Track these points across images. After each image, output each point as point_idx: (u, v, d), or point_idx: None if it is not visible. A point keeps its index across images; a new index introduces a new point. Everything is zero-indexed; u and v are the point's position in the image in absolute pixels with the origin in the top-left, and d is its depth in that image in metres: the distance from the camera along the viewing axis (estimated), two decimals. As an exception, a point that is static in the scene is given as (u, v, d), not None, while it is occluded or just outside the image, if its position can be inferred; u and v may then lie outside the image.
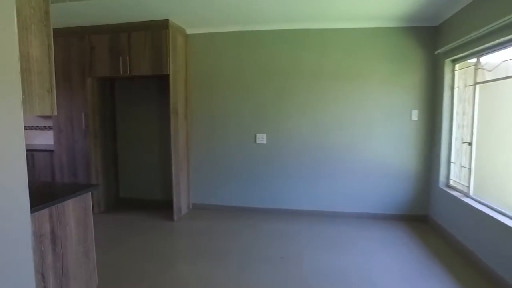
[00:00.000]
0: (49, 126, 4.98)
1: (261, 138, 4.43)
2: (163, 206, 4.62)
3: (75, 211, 2.15)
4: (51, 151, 4.43)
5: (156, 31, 3.91)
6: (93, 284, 2.37)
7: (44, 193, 2.10)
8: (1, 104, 1.44)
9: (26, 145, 4.73)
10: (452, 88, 3.75)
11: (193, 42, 4.47)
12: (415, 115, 4.08)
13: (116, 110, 4.76)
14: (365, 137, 4.20)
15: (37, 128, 5.09)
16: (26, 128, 5.15)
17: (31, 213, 1.64)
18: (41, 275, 1.85)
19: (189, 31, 4.43)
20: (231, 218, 4.27)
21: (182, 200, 4.36)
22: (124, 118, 4.75)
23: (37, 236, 1.83)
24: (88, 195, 2.27)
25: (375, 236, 3.68)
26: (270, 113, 4.38)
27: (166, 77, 4.01)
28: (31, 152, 4.51)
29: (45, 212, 1.89)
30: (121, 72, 4.02)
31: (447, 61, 3.72)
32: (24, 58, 1.73)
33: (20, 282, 1.56)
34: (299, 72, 4.26)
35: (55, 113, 1.95)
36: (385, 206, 4.24)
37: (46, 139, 5.02)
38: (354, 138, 4.22)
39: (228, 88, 4.44)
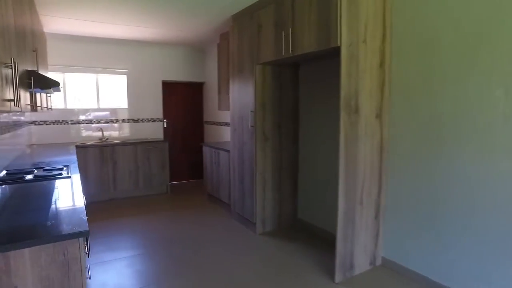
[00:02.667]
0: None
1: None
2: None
3: (38, 267, 1.34)
4: (228, 151, 4.06)
5: (324, -19, 2.48)
6: None
7: None
8: None
9: (216, 142, 4.64)
10: None
11: (400, -11, 2.61)
12: None
13: (299, 105, 3.71)
14: None
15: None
16: (222, 123, 5.13)
17: None
18: None
19: (394, -29, 2.62)
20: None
21: (358, 250, 2.72)
22: (308, 116, 3.61)
23: None
24: (73, 242, 1.40)
25: None
26: None
27: (337, 51, 2.50)
28: (217, 150, 4.36)
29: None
30: (283, 53, 2.92)
31: None
32: None
33: None
34: None
35: (24, 108, 1.18)
36: None
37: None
38: None
39: (461, 64, 2.26)
